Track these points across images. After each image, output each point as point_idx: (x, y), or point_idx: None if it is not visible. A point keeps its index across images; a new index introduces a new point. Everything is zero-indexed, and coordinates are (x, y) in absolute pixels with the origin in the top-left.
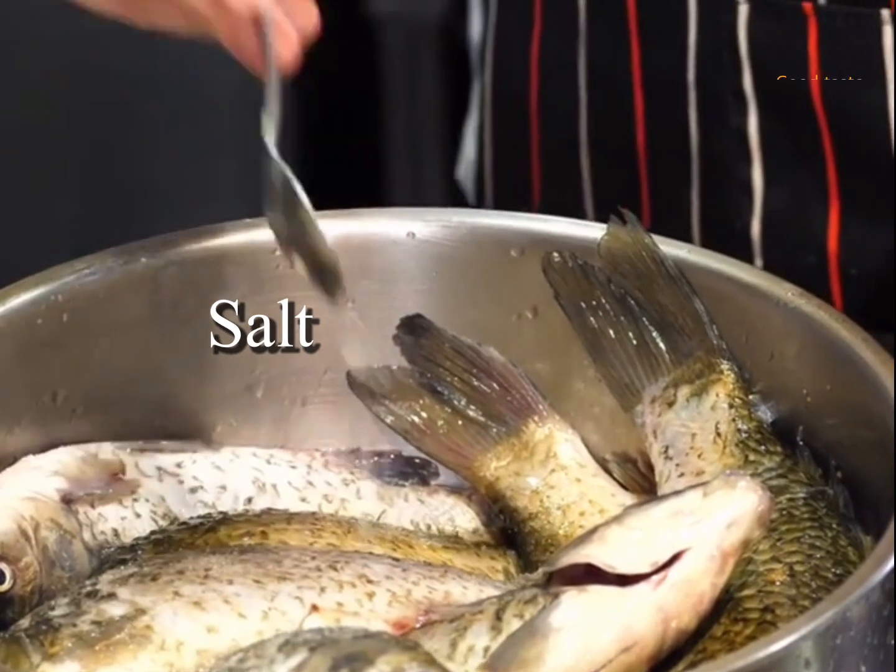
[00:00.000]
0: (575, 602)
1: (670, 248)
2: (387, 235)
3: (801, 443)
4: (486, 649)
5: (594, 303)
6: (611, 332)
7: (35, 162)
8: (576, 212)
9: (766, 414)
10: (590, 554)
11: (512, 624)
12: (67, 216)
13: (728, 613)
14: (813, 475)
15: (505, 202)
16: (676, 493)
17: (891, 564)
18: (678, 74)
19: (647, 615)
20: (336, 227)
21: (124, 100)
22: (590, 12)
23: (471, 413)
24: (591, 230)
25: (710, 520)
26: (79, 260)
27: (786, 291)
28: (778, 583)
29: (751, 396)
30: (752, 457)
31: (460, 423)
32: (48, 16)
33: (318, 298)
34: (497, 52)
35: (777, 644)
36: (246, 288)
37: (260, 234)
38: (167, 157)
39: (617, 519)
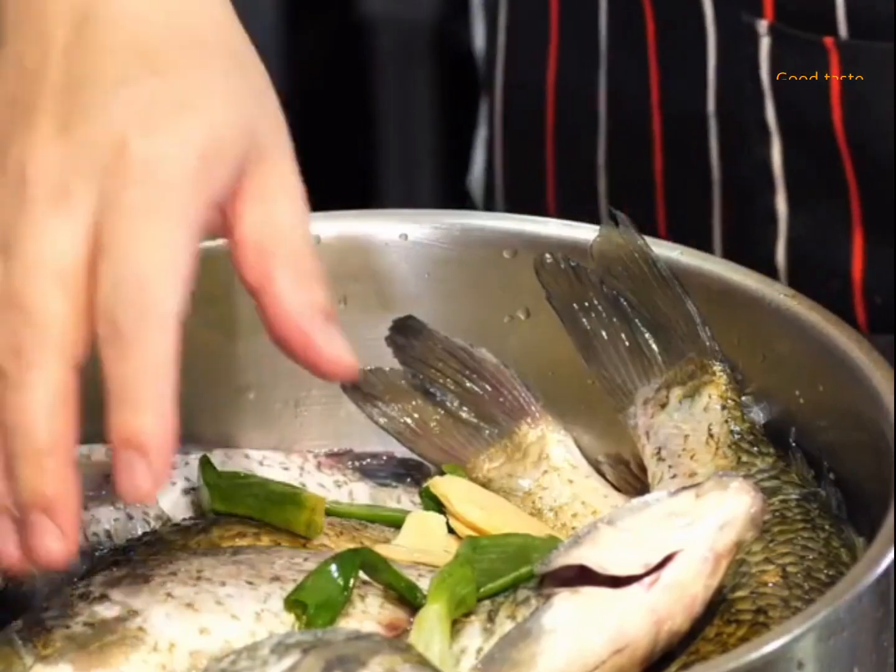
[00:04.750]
0: (567, 603)
1: (662, 249)
2: (379, 237)
3: (793, 444)
4: (479, 650)
5: (586, 304)
6: (603, 333)
7: None
8: None
9: (758, 415)
10: (582, 556)
11: (504, 625)
12: None
13: (721, 615)
14: (805, 476)
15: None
16: (669, 493)
17: (883, 566)
18: (698, 104)
19: (639, 617)
20: (328, 229)
21: None
22: (610, 37)
23: (463, 414)
24: (583, 232)
25: (702, 521)
26: None
27: (778, 293)
28: (770, 584)
29: (743, 398)
30: (744, 458)
31: (453, 424)
32: None
33: None
34: (508, 70)
35: (770, 645)
36: (236, 287)
37: None
38: None
39: (609, 520)
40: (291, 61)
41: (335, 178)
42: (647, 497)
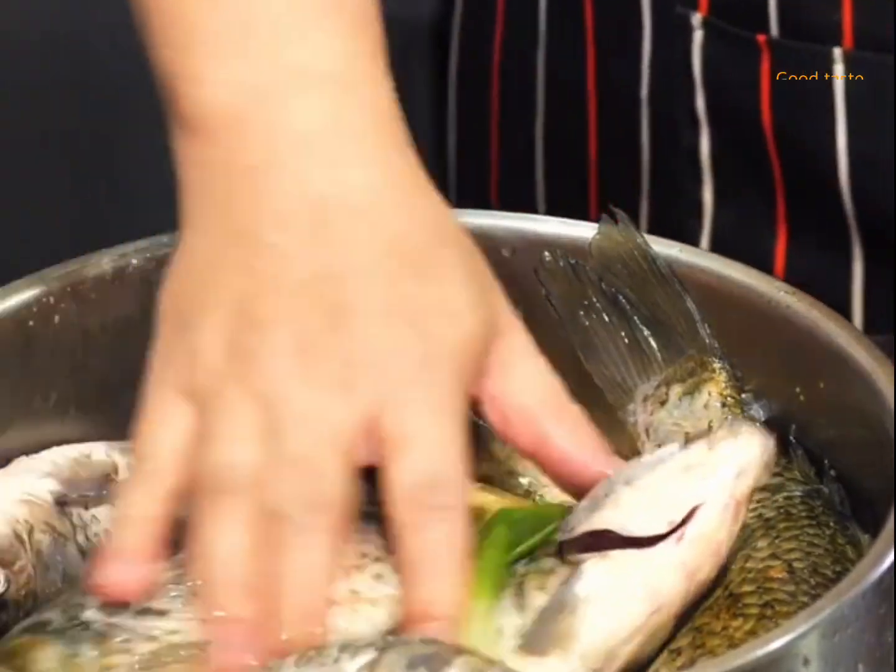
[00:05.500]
0: (597, 569)
1: (662, 247)
2: None
3: (793, 441)
4: (516, 627)
5: (585, 302)
6: (602, 331)
7: (27, 163)
8: (527, 212)
9: (758, 412)
10: (606, 520)
11: (535, 597)
12: (59, 217)
13: (728, 609)
14: (808, 473)
15: (464, 191)
16: (681, 447)
17: (888, 562)
18: (632, 90)
19: (672, 574)
20: None
21: (118, 100)
22: (550, 16)
23: None
24: (582, 230)
25: (720, 471)
26: (70, 261)
27: (778, 290)
28: (777, 579)
29: (743, 395)
30: None
31: None
32: (42, 18)
33: None
34: (462, 49)
35: (775, 643)
36: None
37: None
38: (160, 157)
39: (626, 480)
40: None
41: None
42: (659, 452)
